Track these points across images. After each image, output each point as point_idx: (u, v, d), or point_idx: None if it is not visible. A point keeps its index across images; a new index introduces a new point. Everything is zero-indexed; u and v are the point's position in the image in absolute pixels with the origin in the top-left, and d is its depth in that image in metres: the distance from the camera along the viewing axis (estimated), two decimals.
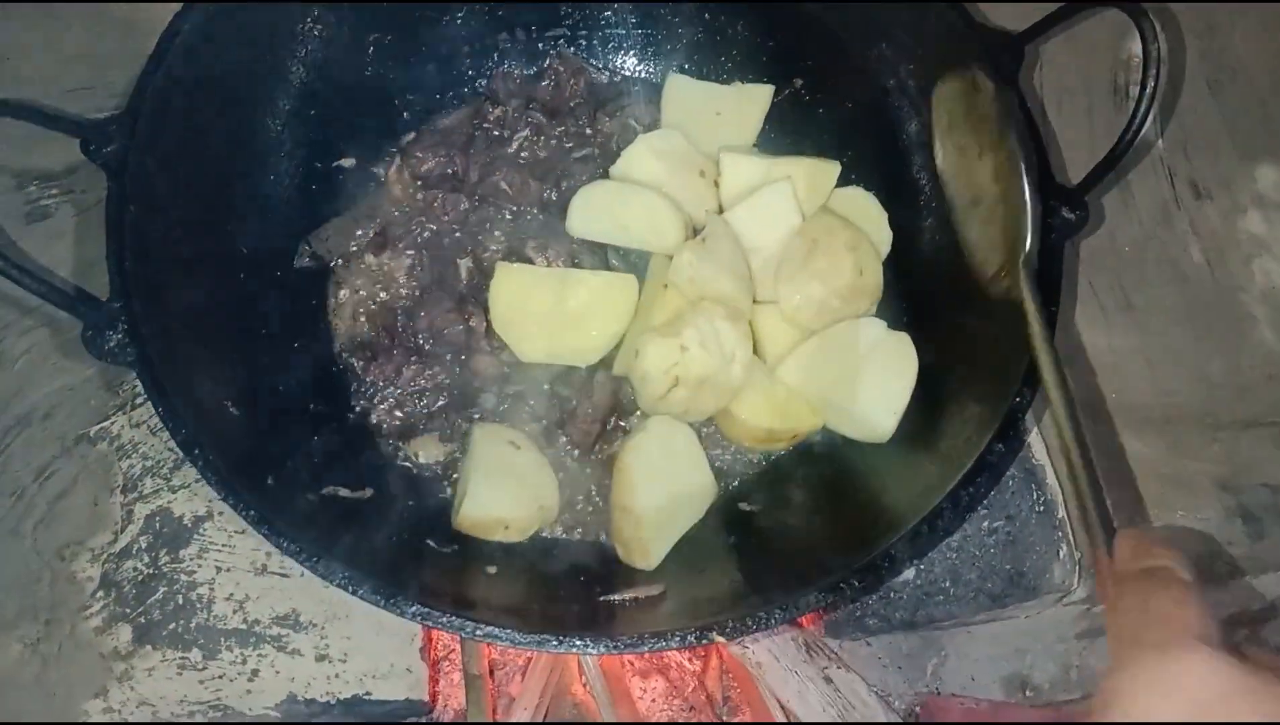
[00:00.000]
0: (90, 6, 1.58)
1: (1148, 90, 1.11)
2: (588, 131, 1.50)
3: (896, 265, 1.38)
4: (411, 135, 1.49)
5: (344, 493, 1.20)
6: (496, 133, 1.49)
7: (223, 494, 1.01)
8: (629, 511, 1.23)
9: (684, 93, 1.50)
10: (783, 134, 1.51)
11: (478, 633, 1.01)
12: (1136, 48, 1.76)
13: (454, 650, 1.48)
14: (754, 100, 1.49)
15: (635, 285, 1.33)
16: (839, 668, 1.42)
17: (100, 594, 1.25)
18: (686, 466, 1.29)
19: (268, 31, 1.31)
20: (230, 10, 1.23)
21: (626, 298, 1.33)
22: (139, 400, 1.36)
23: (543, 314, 1.32)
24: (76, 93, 1.53)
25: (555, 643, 1.01)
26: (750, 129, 1.50)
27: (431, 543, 1.21)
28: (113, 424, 1.35)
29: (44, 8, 1.58)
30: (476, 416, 1.33)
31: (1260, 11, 1.81)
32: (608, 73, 1.57)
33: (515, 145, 1.48)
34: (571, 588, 1.20)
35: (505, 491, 1.24)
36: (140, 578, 1.26)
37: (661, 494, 1.24)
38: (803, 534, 1.23)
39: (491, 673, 1.47)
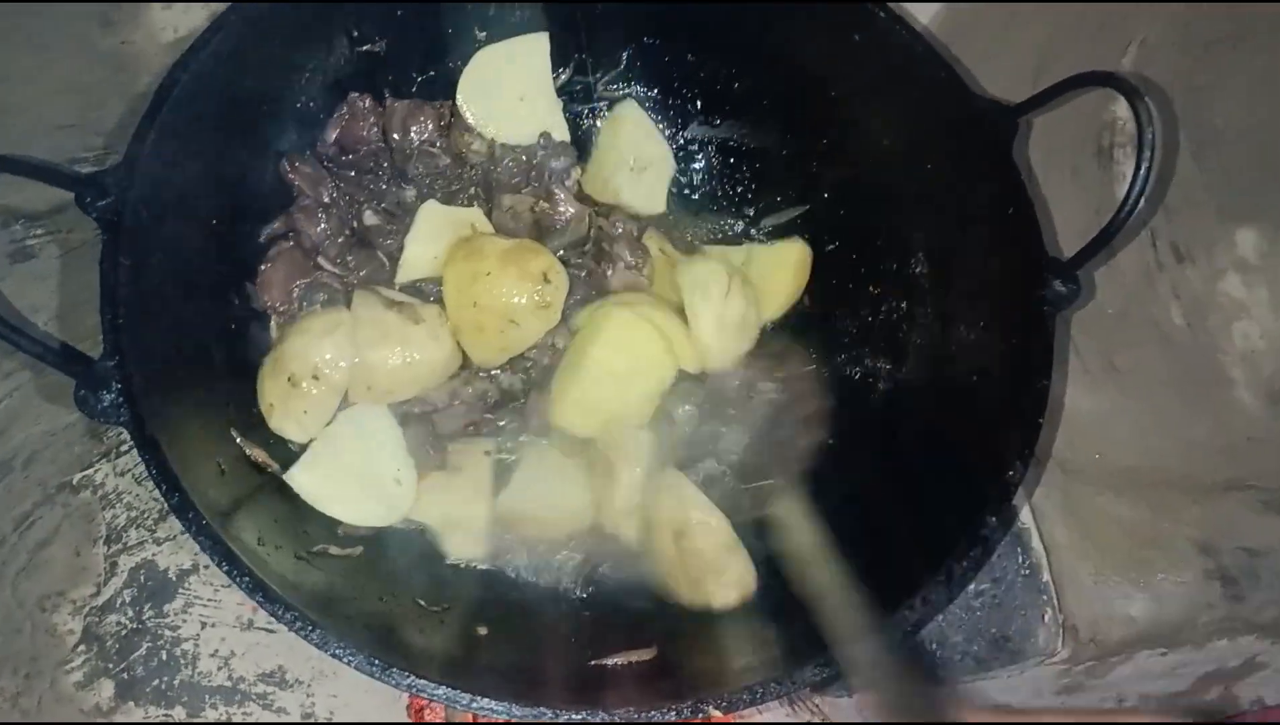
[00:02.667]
0: (79, 41, 1.56)
1: (1142, 171, 1.13)
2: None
3: (888, 335, 1.40)
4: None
5: (334, 551, 1.19)
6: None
7: (216, 559, 1.00)
8: None
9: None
10: (768, 191, 1.53)
11: (472, 705, 1.00)
12: (1120, 109, 1.78)
13: None
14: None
15: None
16: (821, 721, 1.43)
17: (82, 648, 1.23)
18: None
19: (265, 82, 1.30)
20: (227, 60, 1.23)
21: None
22: (124, 448, 1.34)
23: None
24: (65, 129, 1.51)
25: (551, 715, 1.01)
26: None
27: (422, 602, 1.21)
28: (96, 472, 1.33)
29: (31, 38, 1.56)
30: None
31: (1240, 76, 1.84)
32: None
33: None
34: (563, 650, 1.19)
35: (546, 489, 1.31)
36: (123, 632, 1.24)
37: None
38: (796, 600, 1.23)
39: (475, 721, 1.47)
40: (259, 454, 1.20)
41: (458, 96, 1.47)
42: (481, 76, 1.47)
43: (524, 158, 1.49)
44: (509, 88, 1.48)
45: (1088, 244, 1.20)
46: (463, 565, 1.29)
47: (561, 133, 1.51)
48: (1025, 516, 1.42)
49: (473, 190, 1.48)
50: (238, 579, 1.00)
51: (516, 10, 1.46)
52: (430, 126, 1.45)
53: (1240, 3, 1.89)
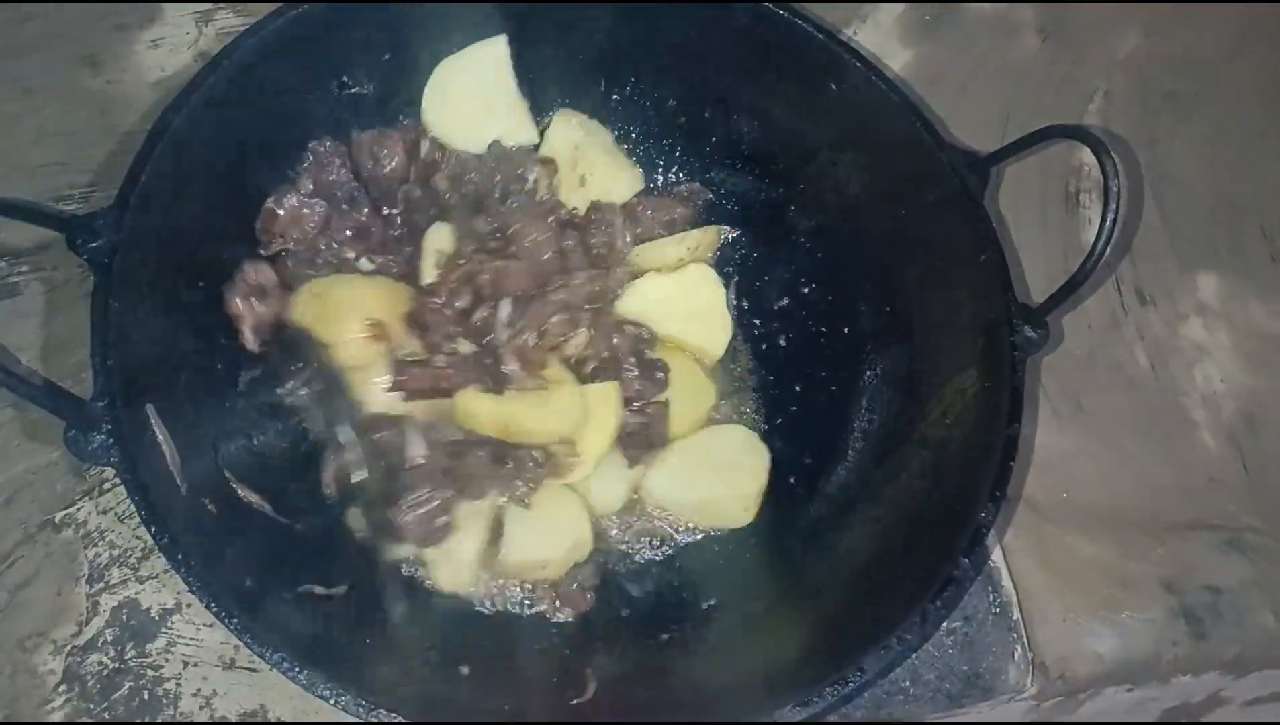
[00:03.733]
0: (65, 82, 1.58)
1: (1108, 223, 1.17)
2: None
3: (852, 379, 1.44)
4: None
5: (320, 590, 1.20)
6: None
7: (206, 601, 1.01)
8: None
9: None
10: (752, 239, 1.57)
11: None
12: (1086, 156, 1.85)
13: None
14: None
15: None
16: None
17: (63, 689, 1.23)
18: None
19: (256, 124, 1.32)
20: (219, 104, 1.24)
21: None
22: (107, 486, 1.34)
23: None
24: (49, 169, 1.52)
25: None
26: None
27: (405, 641, 1.22)
28: (79, 510, 1.33)
29: (16, 82, 1.57)
30: None
31: (1198, 125, 1.91)
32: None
33: None
34: (545, 690, 1.21)
35: (541, 531, 1.32)
36: (105, 672, 1.24)
37: None
38: (764, 638, 1.25)
39: None
40: (250, 494, 1.21)
41: (423, 114, 1.47)
42: (443, 89, 1.46)
43: (492, 165, 1.47)
44: (471, 96, 1.47)
45: (1057, 291, 1.24)
46: (447, 598, 1.30)
47: (527, 135, 1.51)
48: (996, 555, 1.45)
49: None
50: (227, 621, 1.00)
51: None
52: (400, 152, 1.44)
53: (1193, 56, 1.98)
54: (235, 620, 1.01)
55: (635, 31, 1.48)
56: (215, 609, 1.01)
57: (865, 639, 1.10)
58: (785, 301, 1.54)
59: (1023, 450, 1.53)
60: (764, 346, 1.54)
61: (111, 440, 1.04)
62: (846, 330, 1.47)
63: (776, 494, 1.40)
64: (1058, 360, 1.64)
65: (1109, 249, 1.17)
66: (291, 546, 1.22)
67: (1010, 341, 1.24)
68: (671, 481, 1.40)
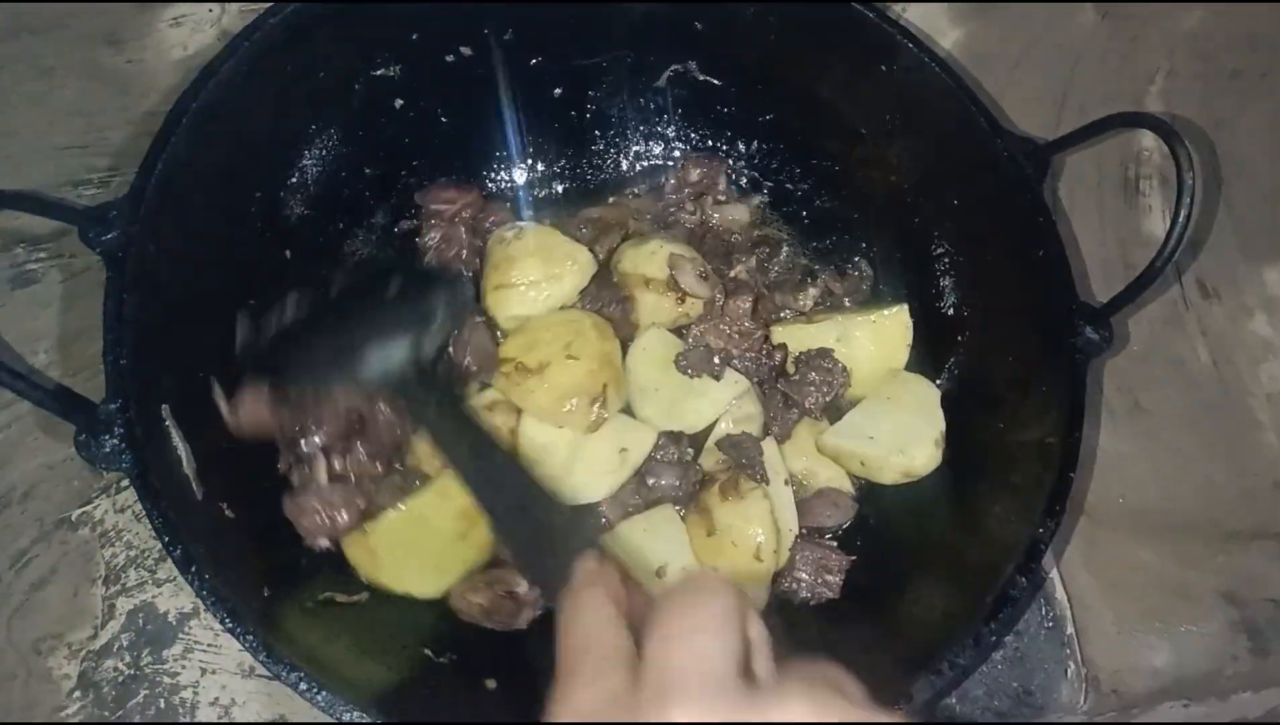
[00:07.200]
0: (85, 61, 1.53)
1: (1181, 218, 1.09)
2: None
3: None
4: None
5: (340, 598, 1.16)
6: None
7: (220, 615, 0.96)
8: None
9: None
10: (805, 233, 1.51)
11: None
12: (1146, 140, 1.76)
13: None
14: None
15: None
16: None
17: (78, 694, 1.19)
18: None
19: (276, 111, 1.26)
20: (238, 89, 1.19)
21: None
22: (124, 483, 1.30)
23: None
24: (69, 150, 1.48)
25: None
26: None
27: (429, 652, 1.17)
28: (95, 508, 1.29)
29: (36, 61, 1.52)
30: None
31: (1265, 106, 1.81)
32: None
33: None
34: None
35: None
36: (121, 678, 1.20)
37: None
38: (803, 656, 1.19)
39: None
40: None
41: None
42: None
43: None
44: None
45: (1122, 291, 1.16)
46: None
47: None
48: (1048, 564, 1.38)
49: None
50: (242, 637, 0.96)
51: None
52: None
53: (1259, 33, 1.88)
54: (250, 637, 0.96)
55: (678, 11, 1.40)
56: (230, 625, 0.96)
57: (914, 662, 1.04)
58: None
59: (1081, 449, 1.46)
60: None
61: (123, 444, 0.99)
62: None
63: None
64: (1115, 355, 1.56)
65: (1181, 246, 1.09)
66: (310, 553, 1.17)
67: (1071, 343, 1.16)
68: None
